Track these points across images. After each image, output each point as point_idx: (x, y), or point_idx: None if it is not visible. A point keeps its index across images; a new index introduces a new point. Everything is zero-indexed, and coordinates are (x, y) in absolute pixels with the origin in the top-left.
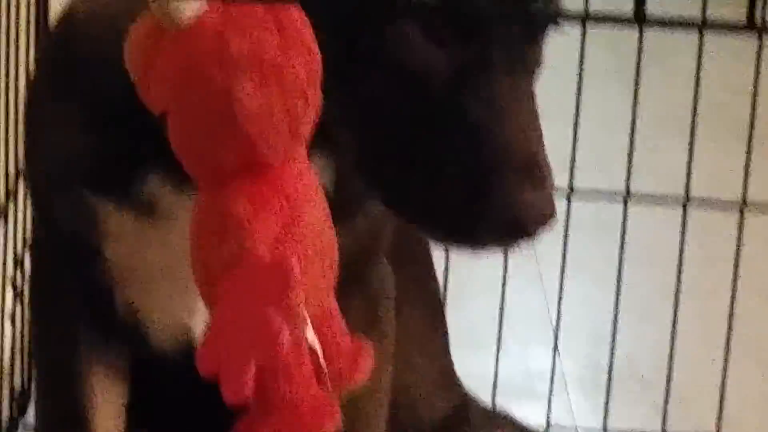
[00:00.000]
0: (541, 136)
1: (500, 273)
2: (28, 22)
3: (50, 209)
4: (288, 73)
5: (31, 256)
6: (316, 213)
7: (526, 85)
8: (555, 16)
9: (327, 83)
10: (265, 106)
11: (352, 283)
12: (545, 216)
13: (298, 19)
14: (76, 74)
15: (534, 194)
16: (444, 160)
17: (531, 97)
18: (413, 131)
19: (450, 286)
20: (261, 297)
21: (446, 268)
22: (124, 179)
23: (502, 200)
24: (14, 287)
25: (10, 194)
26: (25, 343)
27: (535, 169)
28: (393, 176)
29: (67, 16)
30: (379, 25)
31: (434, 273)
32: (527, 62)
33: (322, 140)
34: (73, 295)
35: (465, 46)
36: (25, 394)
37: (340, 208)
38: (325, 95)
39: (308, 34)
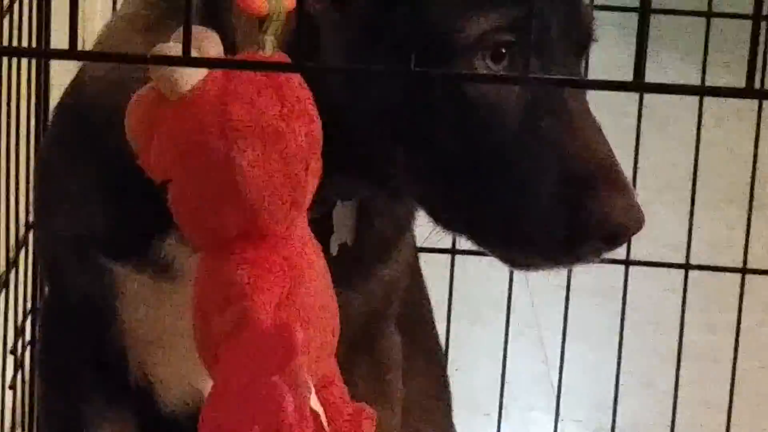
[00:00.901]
0: (609, 145)
1: (501, 338)
2: (29, 85)
3: (64, 276)
4: (289, 141)
5: (40, 323)
6: (318, 279)
7: (585, 101)
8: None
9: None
10: (267, 173)
11: (362, 348)
12: (639, 219)
13: (298, 86)
14: (89, 141)
15: (625, 200)
16: (532, 184)
17: (590, 111)
18: (496, 161)
19: (451, 350)
20: (264, 364)
21: (447, 333)
22: (141, 243)
23: (600, 210)
24: (14, 356)
25: (11, 263)
26: (26, 412)
27: (620, 177)
28: (481, 209)
29: (78, 83)
30: (450, 58)
31: (438, 340)
32: (578, 74)
33: (345, 197)
34: (83, 359)
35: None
36: None
37: (355, 270)
38: (398, 141)
39: (308, 100)
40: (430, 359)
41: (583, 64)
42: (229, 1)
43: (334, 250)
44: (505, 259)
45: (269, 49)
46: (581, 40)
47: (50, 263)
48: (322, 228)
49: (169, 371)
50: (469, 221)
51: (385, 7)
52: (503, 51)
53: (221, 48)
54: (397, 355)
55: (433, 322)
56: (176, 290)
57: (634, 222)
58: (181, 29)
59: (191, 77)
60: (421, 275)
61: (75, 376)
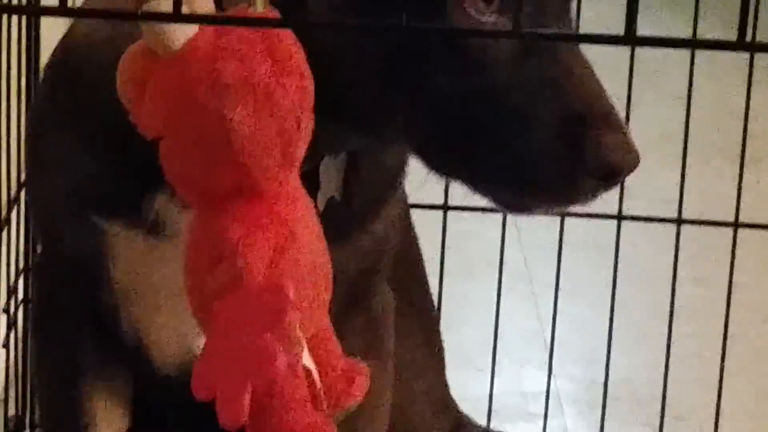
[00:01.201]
0: (603, 87)
1: (494, 294)
2: (19, 43)
3: (56, 234)
4: (280, 97)
5: (34, 281)
6: (310, 235)
7: (577, 45)
8: None
9: (392, 76)
10: (258, 130)
11: (354, 304)
12: (635, 157)
13: (289, 43)
14: (79, 100)
15: (620, 138)
16: (529, 123)
17: (582, 53)
18: (492, 103)
19: (444, 307)
20: (256, 321)
21: (440, 290)
22: (132, 200)
23: (596, 148)
24: (7, 315)
25: (3, 222)
26: (19, 371)
27: (614, 116)
28: (479, 152)
29: (68, 40)
30: (435, 3)
31: (431, 297)
32: (570, 26)
33: (334, 151)
34: (78, 317)
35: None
36: (20, 421)
37: (346, 226)
38: (394, 90)
39: (300, 57)
40: (422, 315)
41: (575, 18)
42: None
43: (321, 205)
44: (501, 202)
45: (260, 5)
46: None
47: (43, 221)
48: (309, 183)
49: (163, 331)
50: (467, 164)
51: None
52: None
53: (212, 3)
54: (390, 311)
55: (425, 279)
56: (168, 248)
57: (630, 159)
58: None
59: (182, 34)
60: (413, 231)
61: (69, 335)
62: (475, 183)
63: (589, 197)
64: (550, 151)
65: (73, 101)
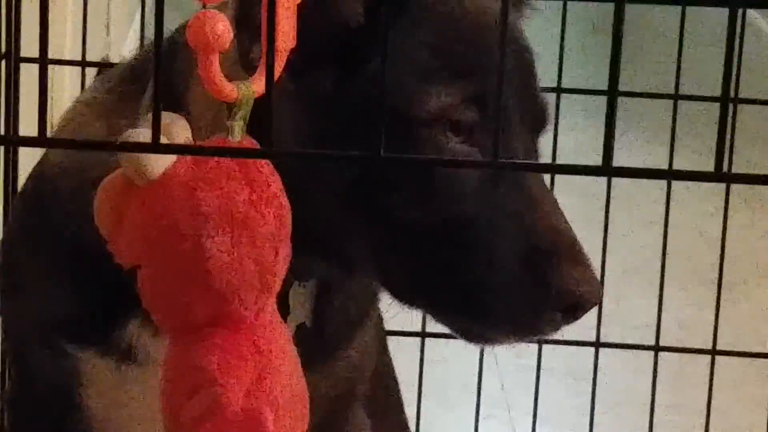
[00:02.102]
0: (568, 222)
1: (471, 420)
2: None
3: (29, 363)
4: (258, 227)
5: (6, 409)
6: (287, 363)
7: (542, 177)
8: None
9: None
10: (236, 259)
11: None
12: (597, 292)
13: (267, 171)
14: (49, 229)
15: (584, 273)
16: (492, 256)
17: (546, 185)
18: (456, 234)
19: (422, 431)
20: None
21: (418, 416)
22: (103, 328)
23: (559, 283)
24: None
25: None
26: None
27: (578, 251)
28: (441, 283)
29: (39, 172)
30: (409, 131)
31: (407, 423)
32: (536, 158)
33: (303, 277)
34: None
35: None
36: None
37: (318, 352)
38: (357, 218)
39: (277, 186)
40: None
41: (551, 146)
42: (187, 84)
43: (290, 331)
44: (465, 334)
45: (238, 134)
46: (538, 119)
47: (16, 350)
48: (278, 308)
49: None
50: (430, 295)
51: (341, 78)
52: (464, 124)
53: (190, 132)
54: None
55: (401, 405)
56: (141, 375)
57: (593, 295)
58: (149, 115)
59: (160, 163)
60: (389, 358)
61: None
62: (437, 312)
63: (551, 329)
64: (515, 284)
65: (43, 230)
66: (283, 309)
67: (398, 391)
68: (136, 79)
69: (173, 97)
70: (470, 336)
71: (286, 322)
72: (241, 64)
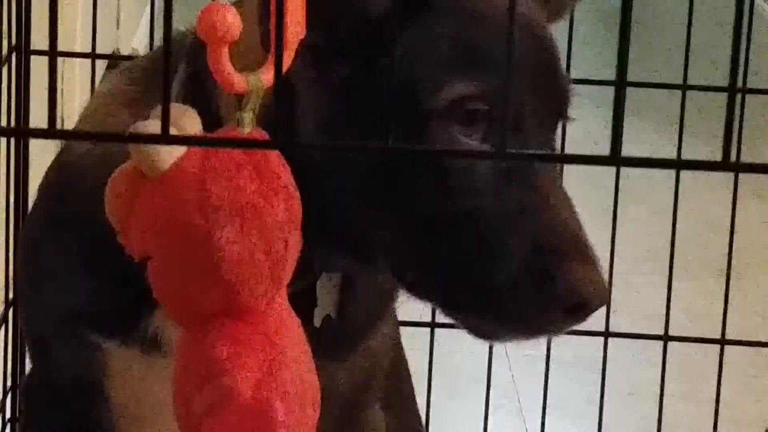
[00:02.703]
0: (580, 219)
1: (482, 410)
2: (8, 163)
3: (51, 354)
4: (268, 217)
5: (24, 401)
6: (297, 354)
7: (556, 172)
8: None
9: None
10: (246, 251)
11: (347, 422)
12: (603, 294)
13: (277, 162)
14: (75, 218)
15: (591, 274)
16: (501, 252)
17: (558, 182)
18: (467, 229)
19: (431, 424)
20: None
21: (428, 407)
22: (130, 318)
23: (565, 282)
24: None
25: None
26: None
27: (587, 251)
28: (451, 276)
29: (63, 159)
30: (424, 123)
31: (419, 415)
32: (553, 146)
33: (328, 269)
34: None
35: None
36: None
37: (340, 343)
38: (373, 210)
39: (287, 177)
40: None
41: (560, 136)
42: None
43: (317, 322)
44: (471, 328)
45: (248, 125)
46: (557, 113)
47: (37, 341)
48: (306, 300)
49: None
50: (438, 289)
51: (362, 65)
52: (478, 118)
53: (200, 124)
54: (382, 429)
55: (413, 397)
56: (166, 365)
57: (599, 295)
58: (159, 106)
59: (170, 155)
60: (401, 349)
61: None
62: (445, 307)
63: (555, 329)
64: (522, 282)
65: (69, 220)
66: (310, 301)
67: (410, 382)
68: (161, 70)
69: (202, 91)
70: (477, 331)
71: (313, 313)
72: (261, 43)
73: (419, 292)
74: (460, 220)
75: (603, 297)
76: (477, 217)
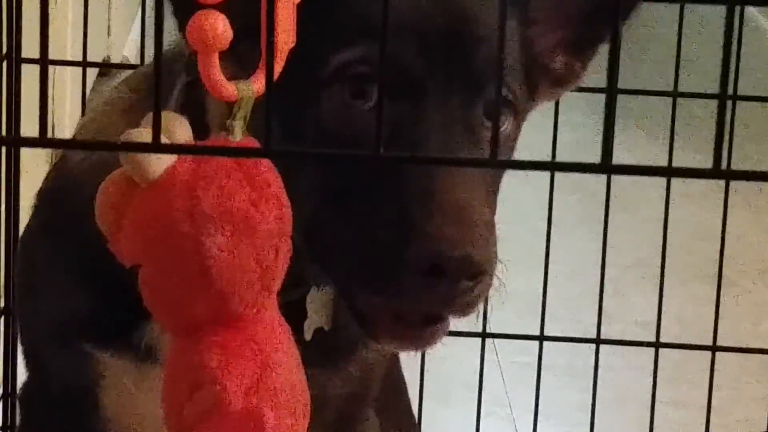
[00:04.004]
0: (481, 196)
1: (473, 417)
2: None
3: (45, 363)
4: (258, 225)
5: (20, 409)
6: (288, 362)
7: (465, 141)
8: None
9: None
10: (237, 259)
11: (340, 430)
12: (470, 259)
13: (267, 170)
14: (71, 227)
15: (458, 233)
16: (371, 221)
17: (472, 152)
18: (351, 198)
19: (424, 428)
20: None
21: (419, 412)
22: (123, 328)
23: (425, 240)
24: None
25: None
26: None
27: (466, 214)
28: (330, 234)
29: (59, 167)
30: (315, 95)
31: (416, 422)
32: (469, 131)
33: (319, 282)
34: None
35: (396, 103)
36: None
37: (335, 353)
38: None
39: (278, 185)
40: None
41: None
42: None
43: (308, 335)
44: (355, 319)
45: (238, 133)
46: (472, 85)
47: (32, 350)
48: (298, 310)
49: None
50: (334, 264)
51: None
52: (366, 83)
53: (190, 132)
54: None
55: (409, 404)
56: (159, 374)
57: (457, 258)
58: (150, 114)
59: (161, 163)
60: (398, 359)
61: None
62: (338, 286)
63: (419, 295)
64: (378, 248)
65: (65, 228)
66: (303, 311)
67: (405, 389)
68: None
69: (196, 99)
70: (358, 317)
71: (303, 327)
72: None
73: (322, 264)
74: (347, 190)
75: (466, 264)
76: (358, 189)
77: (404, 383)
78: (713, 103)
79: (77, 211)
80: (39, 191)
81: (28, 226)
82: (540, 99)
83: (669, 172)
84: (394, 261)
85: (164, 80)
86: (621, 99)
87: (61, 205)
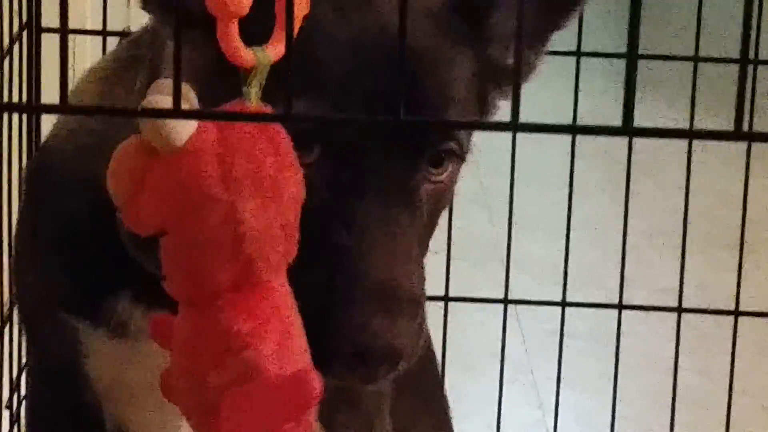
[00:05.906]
0: (410, 268)
1: (496, 384)
2: (20, 140)
3: (38, 334)
4: (284, 190)
5: (27, 378)
6: (300, 326)
7: (402, 215)
8: (448, 148)
9: None
10: (265, 223)
11: (345, 397)
12: (394, 347)
13: (285, 137)
14: (49, 201)
15: (382, 323)
16: (304, 282)
17: (407, 227)
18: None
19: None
20: (275, 413)
21: (442, 380)
22: (94, 301)
23: (348, 325)
24: (10, 410)
25: (5, 318)
26: None
27: (391, 299)
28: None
29: (43, 147)
30: None
31: (443, 392)
32: (407, 193)
33: None
34: (63, 417)
35: (337, 167)
36: None
37: None
38: None
39: (293, 151)
40: (434, 411)
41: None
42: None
43: None
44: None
45: (255, 100)
46: (418, 144)
47: (26, 322)
48: None
49: (143, 424)
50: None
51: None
52: (307, 142)
53: (197, 100)
54: (383, 404)
55: (437, 375)
56: (137, 349)
57: (380, 348)
58: (159, 82)
59: (185, 129)
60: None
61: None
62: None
63: (342, 371)
64: (309, 324)
65: (42, 204)
66: None
67: (435, 361)
68: (138, 48)
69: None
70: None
71: None
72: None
73: None
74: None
75: (390, 351)
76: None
77: (434, 356)
78: (734, 69)
79: (55, 190)
80: (25, 173)
81: (21, 202)
82: (492, 109)
83: (690, 134)
84: (320, 335)
85: (141, 48)
86: (642, 66)
87: (38, 180)
